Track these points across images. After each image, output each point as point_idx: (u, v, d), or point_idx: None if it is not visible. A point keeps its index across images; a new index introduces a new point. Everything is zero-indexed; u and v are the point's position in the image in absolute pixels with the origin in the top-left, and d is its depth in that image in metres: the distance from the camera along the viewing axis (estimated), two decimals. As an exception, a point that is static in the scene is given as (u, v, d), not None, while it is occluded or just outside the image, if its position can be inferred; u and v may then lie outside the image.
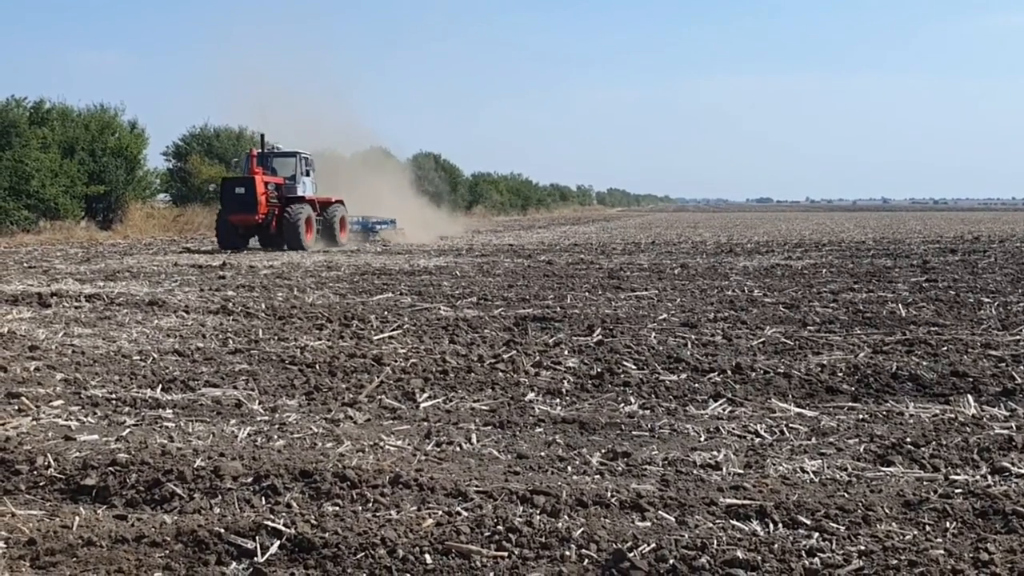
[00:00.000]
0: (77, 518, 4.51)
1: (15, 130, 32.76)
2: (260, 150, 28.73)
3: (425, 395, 7.08)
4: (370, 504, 4.63)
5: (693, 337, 9.59)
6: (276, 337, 9.79)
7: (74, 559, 4.06)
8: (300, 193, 28.07)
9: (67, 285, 15.19)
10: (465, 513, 4.48)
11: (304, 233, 26.83)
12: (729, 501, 4.66)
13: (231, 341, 9.54)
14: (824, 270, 17.97)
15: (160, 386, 7.38)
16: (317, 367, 8.14)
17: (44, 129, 34.67)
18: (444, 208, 48.89)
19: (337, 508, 4.60)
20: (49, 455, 5.38)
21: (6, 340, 9.44)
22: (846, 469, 5.26)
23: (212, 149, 46.67)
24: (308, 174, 29.08)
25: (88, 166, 35.49)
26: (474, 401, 6.92)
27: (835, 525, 4.35)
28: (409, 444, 5.78)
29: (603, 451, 5.61)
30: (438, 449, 5.69)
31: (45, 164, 32.72)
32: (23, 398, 6.86)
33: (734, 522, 4.42)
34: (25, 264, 20.21)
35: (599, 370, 7.90)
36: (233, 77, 73.84)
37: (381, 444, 5.75)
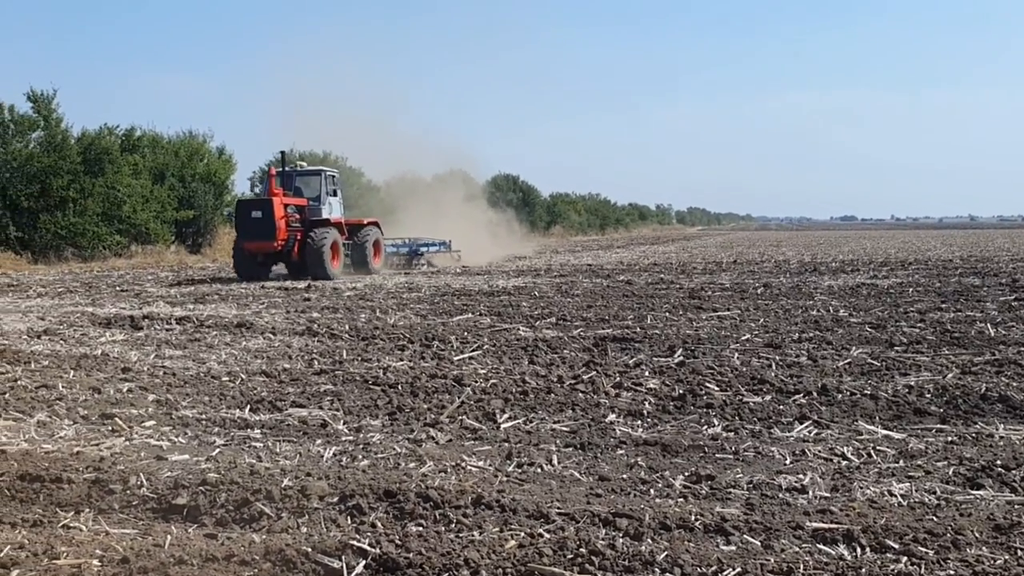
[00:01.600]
0: (169, 537, 4.63)
1: (108, 157, 33.92)
2: (280, 168, 26.22)
3: (505, 416, 7.12)
4: (453, 525, 4.67)
5: (777, 358, 9.46)
6: (360, 358, 9.93)
7: (167, 577, 4.16)
8: (325, 215, 25.33)
9: (158, 308, 15.62)
10: (547, 535, 4.49)
11: (329, 260, 23.96)
12: (816, 525, 4.58)
13: (316, 362, 9.71)
14: (911, 289, 17.56)
15: (248, 406, 7.55)
16: (399, 387, 8.24)
17: (136, 156, 35.84)
18: (520, 228, 49.16)
19: (421, 528, 4.65)
20: (142, 475, 5.54)
21: (100, 362, 9.75)
22: (935, 492, 5.14)
23: (295, 173, 47.62)
24: (335, 194, 26.45)
25: (178, 192, 36.58)
26: (554, 422, 6.93)
27: (924, 549, 4.25)
28: (490, 465, 5.82)
29: (686, 474, 5.57)
30: (519, 470, 5.71)
31: (136, 190, 33.83)
32: (117, 419, 7.08)
33: (821, 546, 4.35)
34: (118, 287, 20.85)
35: (681, 391, 7.85)
36: (314, 103, 75.30)
37: (463, 465, 5.80)
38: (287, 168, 26.41)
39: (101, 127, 36.48)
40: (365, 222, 26.97)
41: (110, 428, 6.87)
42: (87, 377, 8.92)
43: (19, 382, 8.65)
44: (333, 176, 26.88)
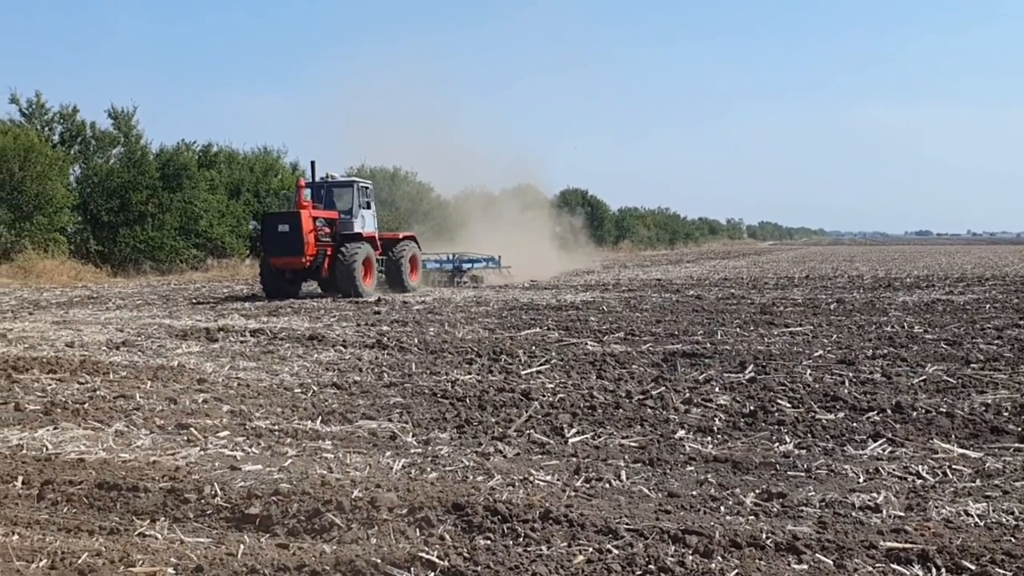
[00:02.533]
0: (242, 546, 4.71)
1: (185, 172, 34.79)
2: (311, 180, 24.49)
3: (573, 430, 7.11)
4: (521, 539, 4.67)
5: (850, 374, 9.30)
6: (428, 371, 10.01)
7: (240, 585, 4.24)
8: (357, 229, 23.56)
9: (233, 320, 15.93)
10: (616, 551, 4.47)
11: (361, 277, 22.43)
12: (890, 544, 4.49)
13: (386, 375, 9.81)
14: (987, 305, 17.12)
15: (319, 418, 7.65)
16: (467, 401, 8.28)
17: (212, 171, 36.72)
18: (587, 243, 49.12)
19: (489, 542, 4.66)
20: (216, 484, 5.64)
21: (176, 373, 9.97)
22: (1012, 513, 5.01)
23: (367, 189, 48.20)
24: (368, 206, 24.58)
25: (252, 206, 37.32)
26: (623, 437, 6.90)
27: (1001, 571, 4.15)
28: (558, 479, 5.81)
29: (757, 491, 5.50)
30: (587, 485, 5.70)
31: (213, 205, 34.65)
32: (192, 429, 7.23)
33: (895, 566, 4.26)
34: (194, 300, 21.32)
35: (752, 408, 7.76)
36: (383, 118, 76.18)
37: (531, 479, 5.80)
38: (318, 179, 24.86)
39: (179, 143, 37.50)
40: (401, 236, 25.60)
41: (186, 438, 7.02)
42: (164, 388, 9.13)
43: (98, 392, 8.89)
44: (367, 188, 25.03)
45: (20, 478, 5.92)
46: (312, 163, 25.54)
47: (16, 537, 4.88)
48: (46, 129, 34.50)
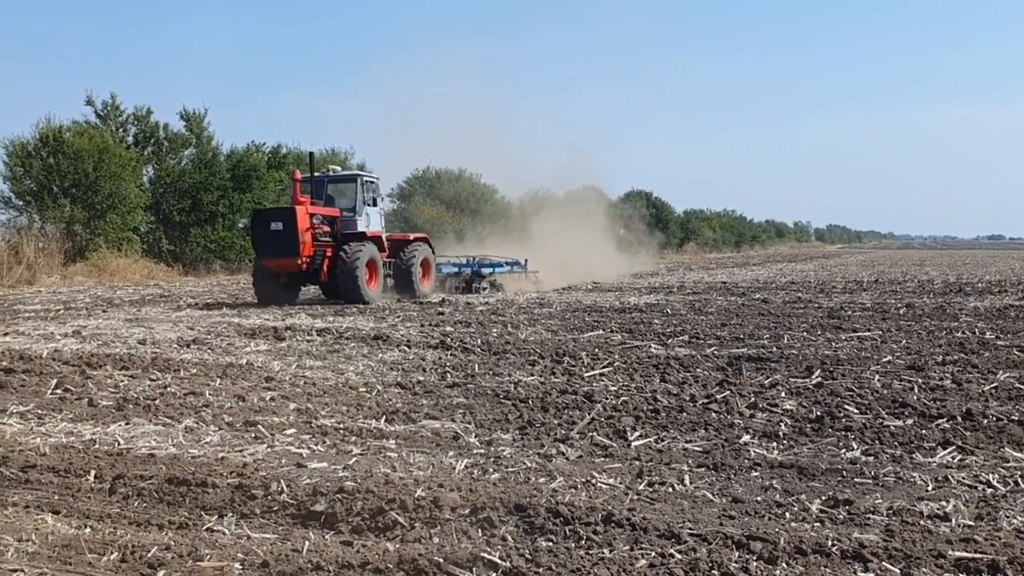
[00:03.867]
0: (307, 543, 4.78)
1: (255, 173, 35.41)
2: (310, 173, 22.09)
3: (636, 434, 7.07)
4: (583, 541, 4.67)
5: (920, 381, 9.11)
6: (491, 372, 10.04)
7: (304, 582, 4.30)
8: (361, 228, 21.38)
9: (300, 320, 16.14)
10: (679, 556, 4.44)
11: (364, 281, 20.30)
12: (959, 554, 4.40)
13: (449, 375, 9.86)
14: (1068, 311, 16.66)
15: (384, 417, 7.73)
16: (530, 402, 8.29)
17: (281, 172, 37.27)
18: (652, 245, 48.86)
19: (551, 544, 4.66)
20: (282, 481, 5.73)
21: (245, 371, 10.14)
22: (1089, 524, 4.87)
23: (433, 191, 48.60)
24: (374, 203, 22.26)
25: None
26: (686, 441, 6.85)
27: (1081, 588, 4.03)
28: (621, 483, 5.79)
29: (823, 498, 5.42)
30: (650, 489, 5.67)
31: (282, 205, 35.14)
32: (259, 426, 7.36)
33: (965, 577, 4.17)
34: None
35: (819, 413, 7.65)
36: (450, 120, 76.75)
37: (593, 481, 5.79)
38: (317, 173, 22.55)
39: (248, 144, 38.22)
40: (411, 238, 23.26)
41: (253, 435, 7.14)
42: (232, 385, 9.30)
43: (169, 389, 9.08)
44: (372, 182, 22.62)
45: (93, 472, 6.07)
46: (311, 154, 23.63)
47: (88, 530, 5.02)
48: (120, 131, 35.42)
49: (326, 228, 20.82)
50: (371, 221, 21.89)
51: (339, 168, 23.81)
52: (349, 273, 19.99)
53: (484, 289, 24.68)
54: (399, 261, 22.01)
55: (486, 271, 25.54)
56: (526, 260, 26.89)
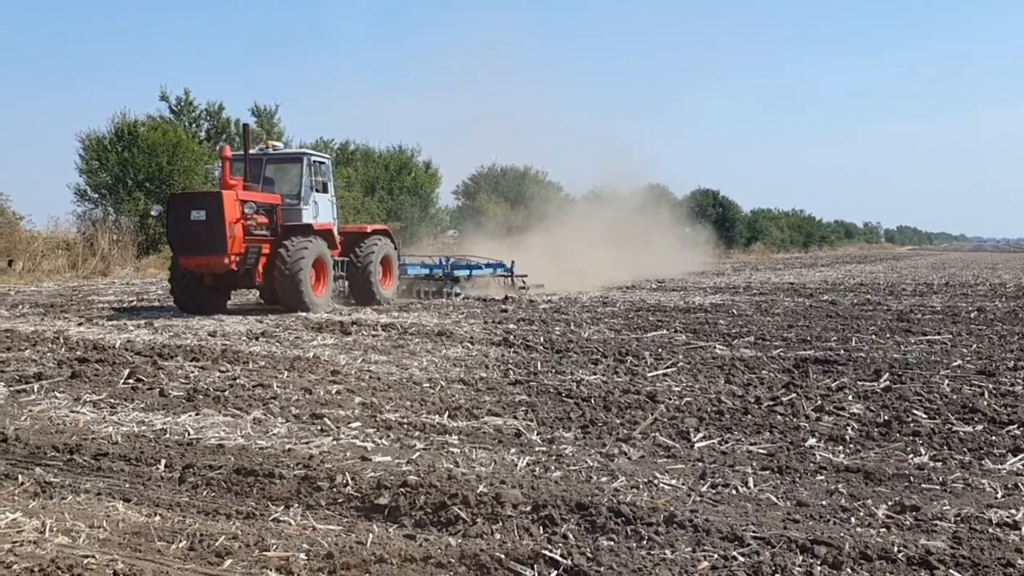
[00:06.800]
0: (371, 535, 4.83)
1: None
2: (244, 150, 18.07)
3: (700, 435, 7.03)
4: (644, 542, 4.66)
5: (990, 386, 8.91)
6: (554, 370, 10.05)
7: (367, 575, 4.35)
8: (307, 219, 17.47)
9: (366, 315, 16.32)
10: (741, 559, 4.41)
11: (309, 284, 16.57)
12: (1032, 567, 4.30)
13: (512, 372, 9.89)
14: None
15: (447, 413, 7.78)
16: (592, 401, 8.28)
17: (349, 169, 37.75)
18: (718, 244, 48.43)
19: (612, 543, 4.66)
20: (347, 473, 5.80)
21: (312, 364, 10.28)
22: None
23: (498, 187, 48.75)
24: (324, 188, 18.42)
25: (386, 203, 38.27)
26: (751, 444, 6.79)
27: None
28: (683, 484, 5.76)
29: (890, 503, 5.33)
30: (713, 491, 5.63)
31: (349, 202, 35.61)
32: (325, 419, 7.46)
33: (1037, 590, 4.08)
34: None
35: (886, 417, 7.52)
36: (513, 117, 76.80)
37: (655, 482, 5.77)
38: (253, 150, 18.60)
39: (317, 140, 38.68)
40: (369, 230, 19.49)
41: (319, 428, 7.24)
42: (299, 378, 9.44)
43: (238, 381, 9.26)
44: (321, 163, 18.65)
45: (163, 461, 6.22)
46: (245, 126, 19.36)
47: (158, 518, 5.13)
48: (193, 125, 36.13)
49: (262, 219, 16.94)
50: (320, 211, 18.07)
51: (280, 144, 19.46)
52: (290, 275, 16.30)
53: (458, 295, 21.44)
54: (354, 259, 18.48)
55: (461, 274, 22.42)
56: (512, 263, 23.48)
